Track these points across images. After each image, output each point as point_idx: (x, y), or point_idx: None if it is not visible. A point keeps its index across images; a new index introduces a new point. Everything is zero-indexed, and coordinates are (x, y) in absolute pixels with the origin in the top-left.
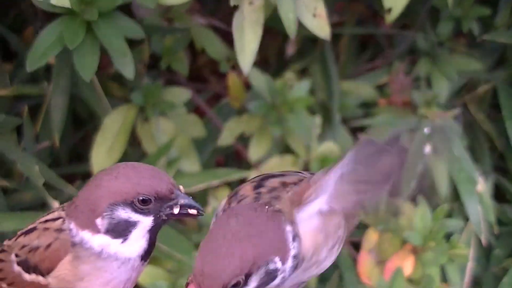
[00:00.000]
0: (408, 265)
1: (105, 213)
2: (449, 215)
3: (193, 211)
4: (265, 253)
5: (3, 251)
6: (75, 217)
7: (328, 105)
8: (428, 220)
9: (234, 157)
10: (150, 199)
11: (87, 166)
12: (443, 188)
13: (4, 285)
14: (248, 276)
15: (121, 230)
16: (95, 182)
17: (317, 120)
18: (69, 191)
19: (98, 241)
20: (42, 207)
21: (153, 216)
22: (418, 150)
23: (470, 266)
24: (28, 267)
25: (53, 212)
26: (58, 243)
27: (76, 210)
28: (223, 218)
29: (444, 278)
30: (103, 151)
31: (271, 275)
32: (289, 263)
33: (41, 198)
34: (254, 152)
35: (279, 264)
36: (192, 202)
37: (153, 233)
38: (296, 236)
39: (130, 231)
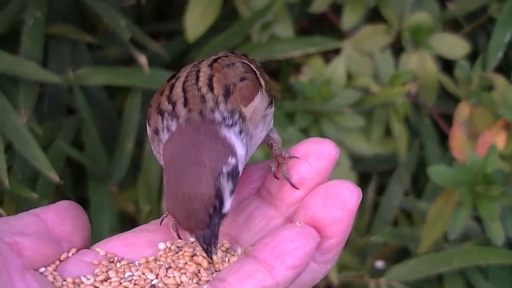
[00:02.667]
0: (500, 141)
1: None
2: None
3: None
4: (216, 165)
5: None
6: None
7: None
8: None
9: (323, 24)
10: None
11: (173, 24)
12: None
13: None
14: (218, 196)
15: None
16: None
17: None
18: (153, 48)
19: None
20: (127, 62)
21: None
22: (507, 20)
23: None
24: None
25: None
26: None
27: None
28: (166, 159)
29: None
30: (197, 14)
31: (234, 172)
32: (241, 151)
33: (127, 54)
34: (346, 20)
35: (233, 161)
36: None
37: None
38: (239, 118)
39: None
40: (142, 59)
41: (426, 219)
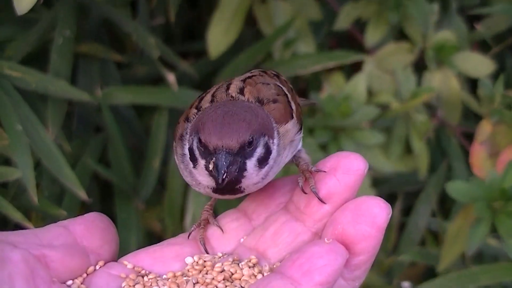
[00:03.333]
0: None
1: None
2: None
3: None
4: (264, 128)
5: None
6: None
7: None
8: None
9: (348, 42)
10: None
11: (201, 44)
12: None
13: None
14: (257, 139)
15: None
16: None
17: (435, 7)
18: (182, 67)
19: None
20: (156, 81)
21: None
22: None
23: None
24: None
25: None
26: None
27: None
28: (214, 105)
29: None
30: (219, 31)
31: (268, 149)
32: (276, 142)
33: (155, 73)
34: (370, 37)
35: (271, 141)
36: None
37: None
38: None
39: None
40: (171, 77)
41: (446, 237)
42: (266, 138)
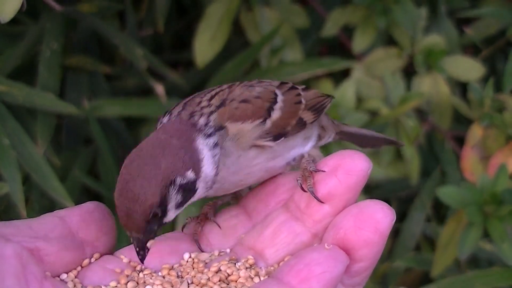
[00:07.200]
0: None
1: None
2: None
3: None
4: (171, 173)
5: None
6: None
7: None
8: None
9: (338, 49)
10: None
11: (190, 53)
12: None
13: None
14: (162, 204)
15: None
16: None
17: (423, 11)
18: (172, 77)
19: None
20: (145, 93)
21: None
22: None
23: None
24: None
25: None
26: None
27: None
28: (139, 144)
29: None
30: (206, 39)
31: (188, 187)
32: (208, 169)
33: (145, 84)
34: (358, 43)
35: (191, 176)
36: None
37: None
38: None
39: None
40: (159, 89)
41: (439, 242)
42: (179, 178)
